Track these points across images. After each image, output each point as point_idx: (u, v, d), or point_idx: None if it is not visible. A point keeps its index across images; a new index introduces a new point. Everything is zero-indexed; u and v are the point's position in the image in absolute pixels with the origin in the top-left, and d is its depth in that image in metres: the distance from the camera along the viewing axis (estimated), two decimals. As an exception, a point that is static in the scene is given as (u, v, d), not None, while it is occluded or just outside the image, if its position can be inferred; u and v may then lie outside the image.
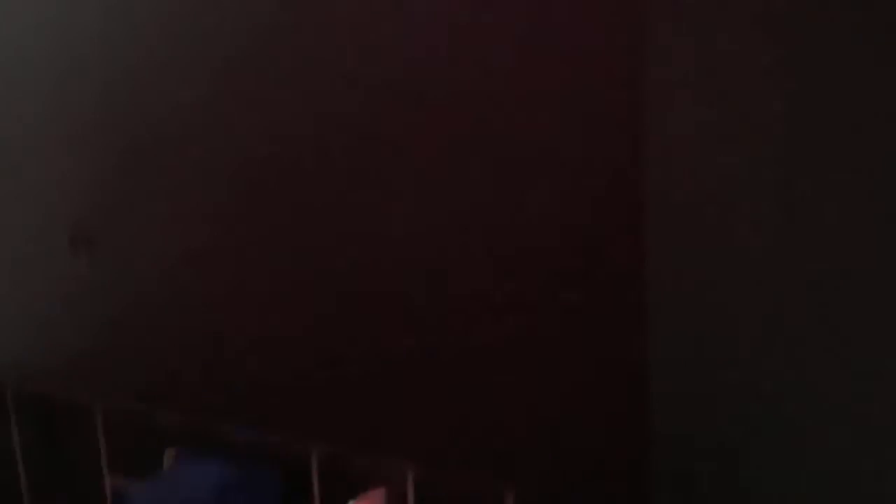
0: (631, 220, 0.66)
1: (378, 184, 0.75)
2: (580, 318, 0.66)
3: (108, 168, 0.88)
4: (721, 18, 0.68)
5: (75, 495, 0.98)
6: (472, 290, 0.70)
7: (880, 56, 0.67)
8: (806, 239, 0.68)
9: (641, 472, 0.64)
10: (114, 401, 0.92)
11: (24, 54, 0.93)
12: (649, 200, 0.66)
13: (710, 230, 0.69)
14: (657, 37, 0.65)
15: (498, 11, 0.70)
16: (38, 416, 0.99)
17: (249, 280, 0.81)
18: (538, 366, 0.68)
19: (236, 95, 0.81)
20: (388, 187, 0.74)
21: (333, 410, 0.76)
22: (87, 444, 0.97)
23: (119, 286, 0.89)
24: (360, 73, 0.75)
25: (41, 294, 0.94)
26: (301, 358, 0.79)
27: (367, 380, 0.74)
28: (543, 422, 0.67)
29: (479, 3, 0.71)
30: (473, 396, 0.70)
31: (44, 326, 0.94)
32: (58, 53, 0.91)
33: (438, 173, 0.72)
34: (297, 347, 0.79)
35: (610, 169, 0.67)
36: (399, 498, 0.75)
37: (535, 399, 0.68)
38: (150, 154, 0.85)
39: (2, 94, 0.95)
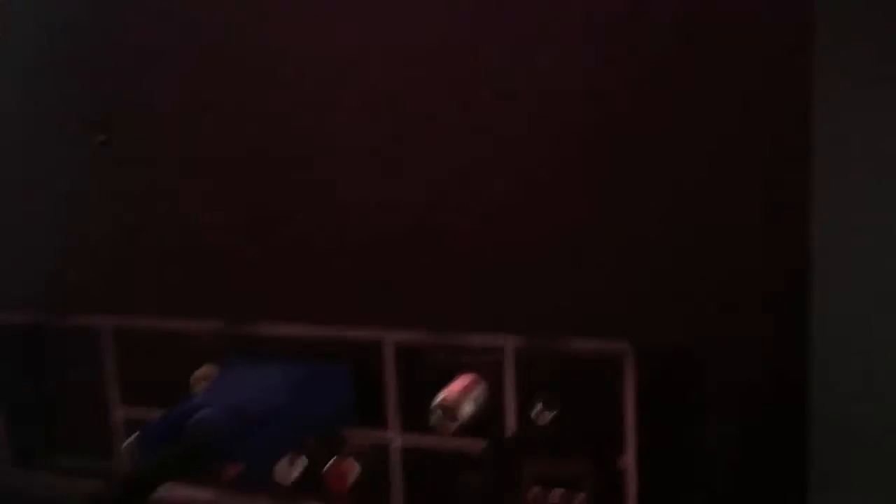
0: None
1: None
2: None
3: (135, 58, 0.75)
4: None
5: (76, 429, 0.84)
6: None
7: None
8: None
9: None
10: (133, 317, 0.80)
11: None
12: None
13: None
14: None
15: None
16: (22, 344, 0.84)
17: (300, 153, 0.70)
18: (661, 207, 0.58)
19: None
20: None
21: (406, 292, 0.68)
22: (90, 372, 0.85)
23: (139, 180, 0.78)
24: None
25: (49, 186, 0.77)
26: (359, 235, 0.69)
27: (443, 249, 0.66)
28: (662, 271, 0.60)
29: None
30: (584, 251, 0.62)
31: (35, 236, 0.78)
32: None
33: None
34: (351, 223, 0.68)
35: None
36: (495, 378, 0.67)
37: (658, 245, 0.60)
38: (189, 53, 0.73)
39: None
